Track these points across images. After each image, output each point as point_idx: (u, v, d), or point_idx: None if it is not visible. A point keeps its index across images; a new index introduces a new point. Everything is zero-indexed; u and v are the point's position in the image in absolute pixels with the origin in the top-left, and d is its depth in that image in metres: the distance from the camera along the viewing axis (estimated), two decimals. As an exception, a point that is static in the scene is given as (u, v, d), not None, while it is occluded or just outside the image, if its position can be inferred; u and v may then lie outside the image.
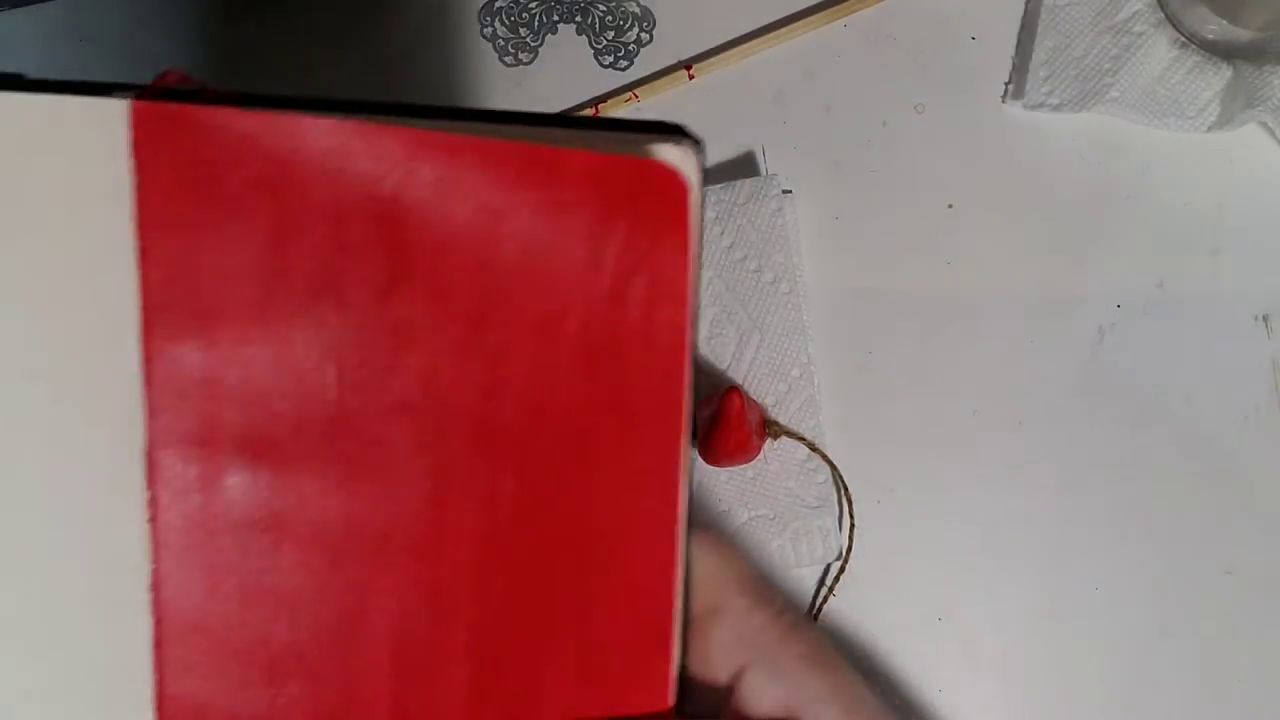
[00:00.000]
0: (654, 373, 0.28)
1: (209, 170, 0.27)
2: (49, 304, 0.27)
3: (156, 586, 0.28)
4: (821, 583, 0.46)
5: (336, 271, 0.28)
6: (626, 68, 0.50)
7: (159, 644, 0.28)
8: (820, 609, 0.46)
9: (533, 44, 0.50)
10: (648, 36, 0.50)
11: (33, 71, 0.28)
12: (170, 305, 0.28)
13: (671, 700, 0.29)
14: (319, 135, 0.27)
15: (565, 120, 0.30)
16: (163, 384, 0.28)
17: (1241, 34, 0.47)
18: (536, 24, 0.50)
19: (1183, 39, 0.47)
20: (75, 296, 0.27)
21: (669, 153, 0.27)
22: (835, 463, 0.46)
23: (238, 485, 0.28)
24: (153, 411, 0.28)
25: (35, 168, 0.27)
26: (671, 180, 0.27)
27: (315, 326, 0.28)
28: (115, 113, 0.26)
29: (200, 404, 0.28)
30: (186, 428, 0.28)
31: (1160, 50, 0.47)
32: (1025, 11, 0.49)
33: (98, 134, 0.26)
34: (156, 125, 0.27)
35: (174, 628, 0.29)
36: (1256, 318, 0.47)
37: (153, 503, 0.28)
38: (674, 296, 0.27)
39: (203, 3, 0.49)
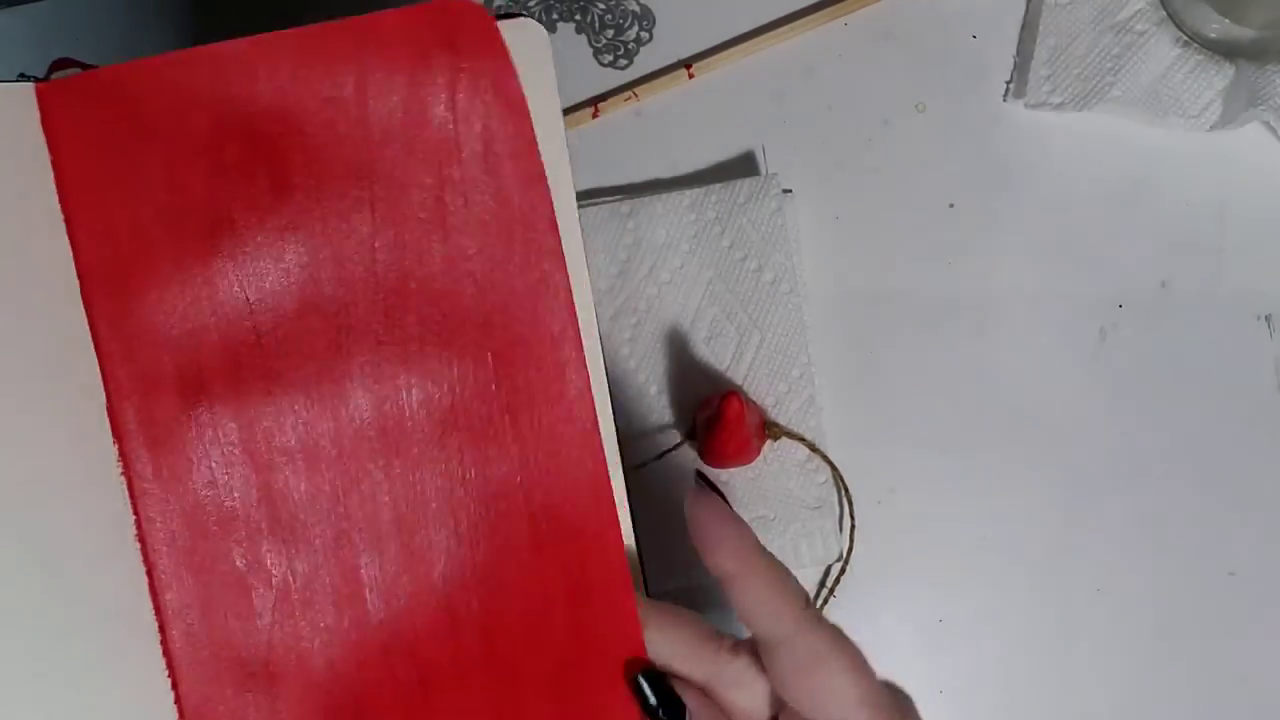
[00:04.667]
0: (522, 199, 0.30)
1: (106, 129, 0.29)
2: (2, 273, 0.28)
3: (141, 536, 0.29)
4: (822, 584, 0.46)
5: (224, 198, 0.29)
6: (626, 66, 0.49)
7: (154, 590, 0.29)
8: (820, 610, 0.45)
9: (532, 43, 0.50)
10: (647, 35, 0.50)
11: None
12: (101, 265, 0.29)
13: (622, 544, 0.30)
14: (173, 69, 0.29)
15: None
16: (108, 341, 0.29)
17: (1244, 33, 0.46)
18: (536, 23, 0.50)
19: (1185, 38, 0.47)
20: (19, 271, 0.28)
21: None
22: (835, 463, 0.45)
23: (196, 421, 0.29)
24: (105, 368, 0.29)
25: None
26: (473, 12, 0.29)
27: (220, 254, 0.29)
28: (24, 96, 0.28)
29: (142, 352, 0.29)
30: (135, 377, 0.29)
31: (1162, 49, 0.47)
32: (1027, 10, 0.49)
33: (12, 119, 0.28)
34: (59, 100, 0.28)
35: (167, 568, 0.29)
36: (1259, 317, 0.47)
37: (123, 454, 0.29)
38: (517, 110, 0.29)
39: (200, 2, 0.49)
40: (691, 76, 0.49)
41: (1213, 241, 0.48)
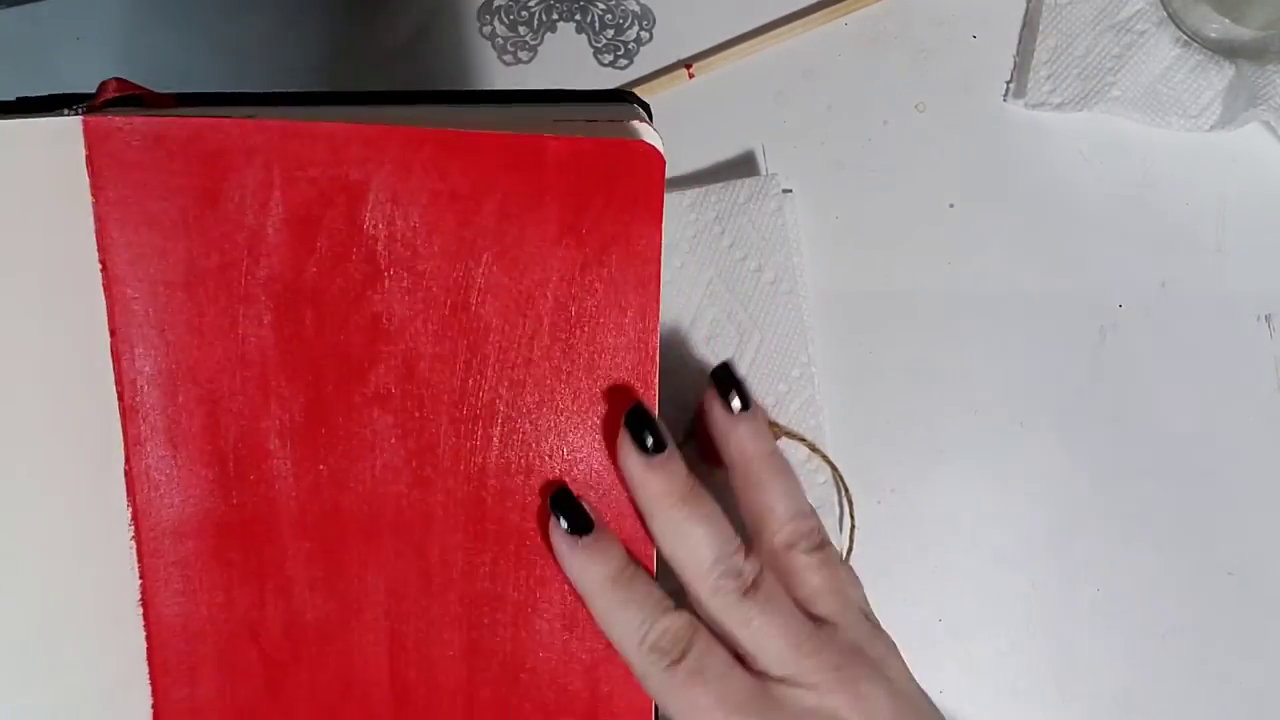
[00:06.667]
0: (627, 334, 0.29)
1: (164, 180, 0.27)
2: (27, 321, 0.27)
3: (145, 600, 0.28)
4: (822, 584, 0.46)
5: (305, 274, 0.28)
6: (626, 66, 0.49)
7: (152, 652, 0.28)
8: (820, 610, 0.45)
9: (532, 43, 0.50)
10: (647, 35, 0.50)
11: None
12: (135, 317, 0.27)
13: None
14: (273, 137, 0.27)
15: (516, 95, 0.30)
16: (133, 394, 0.28)
17: (1244, 33, 0.46)
18: (536, 22, 0.50)
19: (1185, 38, 0.47)
20: (49, 313, 0.27)
21: (648, 133, 0.28)
22: (836, 463, 0.45)
23: (214, 485, 0.28)
24: (127, 422, 0.28)
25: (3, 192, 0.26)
26: (651, 157, 0.28)
27: (283, 330, 0.28)
28: (69, 130, 0.26)
29: (170, 410, 0.28)
30: (159, 435, 0.28)
31: (1162, 49, 0.47)
32: (1027, 10, 0.49)
33: (55, 153, 0.26)
34: (108, 138, 0.26)
35: (165, 635, 0.28)
36: (1259, 318, 0.47)
37: (134, 514, 0.28)
38: (647, 259, 0.29)
39: (199, 0, 0.49)
40: (691, 76, 0.49)
41: (1213, 241, 0.48)
